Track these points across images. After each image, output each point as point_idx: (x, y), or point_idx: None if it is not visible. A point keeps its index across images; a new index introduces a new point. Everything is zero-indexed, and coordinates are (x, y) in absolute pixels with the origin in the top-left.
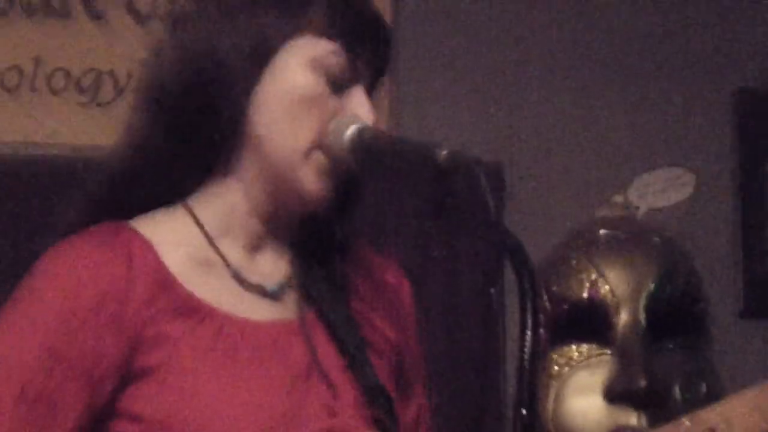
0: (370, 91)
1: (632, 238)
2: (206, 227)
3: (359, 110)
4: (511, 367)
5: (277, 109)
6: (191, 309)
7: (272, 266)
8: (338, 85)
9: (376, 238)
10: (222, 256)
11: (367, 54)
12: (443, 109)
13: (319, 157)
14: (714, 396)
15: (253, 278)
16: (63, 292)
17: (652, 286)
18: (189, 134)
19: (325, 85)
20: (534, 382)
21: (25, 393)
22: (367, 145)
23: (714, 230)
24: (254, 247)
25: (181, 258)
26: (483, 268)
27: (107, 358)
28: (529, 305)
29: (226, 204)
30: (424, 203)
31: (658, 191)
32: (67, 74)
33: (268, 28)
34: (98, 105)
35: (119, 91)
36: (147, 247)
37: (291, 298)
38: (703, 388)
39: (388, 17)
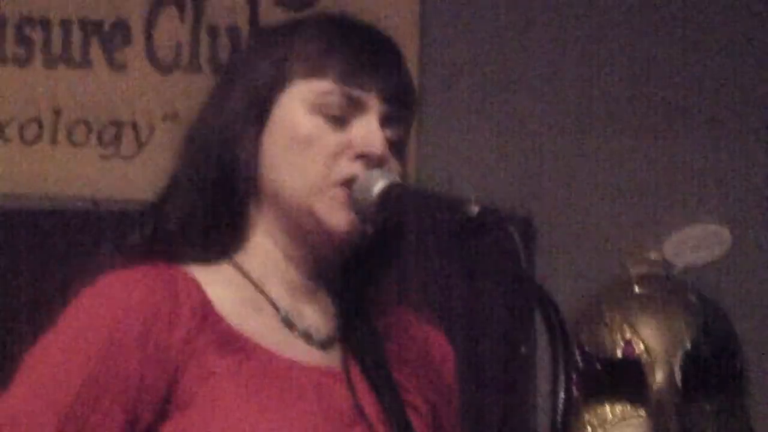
0: (391, 120)
1: (668, 296)
2: (253, 277)
3: (365, 143)
4: (542, 428)
5: (280, 154)
6: (237, 345)
7: (318, 319)
8: (342, 121)
9: (403, 295)
10: (271, 301)
11: (369, 82)
12: (469, 160)
13: (334, 192)
14: None
15: (301, 326)
16: (109, 320)
17: (688, 345)
18: (213, 195)
19: (324, 123)
20: None
21: (67, 420)
22: (395, 201)
23: (750, 287)
24: (300, 298)
25: (229, 298)
26: (513, 325)
27: (150, 389)
28: (562, 362)
29: (267, 256)
30: (453, 260)
31: (694, 248)
32: (88, 126)
33: (261, 83)
34: (120, 158)
35: (141, 144)
36: (194, 284)
37: (336, 351)
38: None
39: (414, 67)
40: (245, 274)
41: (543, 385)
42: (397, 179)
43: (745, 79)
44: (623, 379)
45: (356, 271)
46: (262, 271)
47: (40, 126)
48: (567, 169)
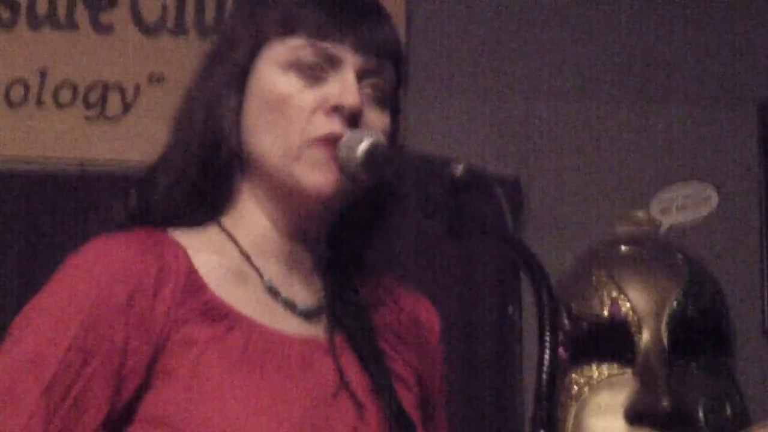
0: (370, 72)
1: (654, 255)
2: (240, 243)
3: (339, 95)
4: (529, 387)
5: (259, 117)
6: (221, 315)
7: (305, 289)
8: (318, 78)
9: (389, 255)
10: (256, 269)
11: (343, 36)
12: (457, 124)
13: (313, 152)
14: (739, 417)
15: (286, 294)
16: (94, 288)
17: (674, 304)
18: (198, 163)
19: (298, 81)
20: (553, 402)
21: (52, 388)
22: (380, 160)
23: (737, 246)
24: (286, 267)
25: (214, 266)
26: (500, 286)
27: (134, 357)
28: (548, 323)
29: (253, 223)
30: (438, 219)
31: (680, 207)
32: (74, 88)
33: (239, 50)
34: (106, 119)
35: (127, 105)
36: (180, 251)
37: (321, 321)
38: (728, 409)
39: (401, 30)
40: (232, 239)
41: (530, 346)
42: (382, 138)
43: (733, 42)
44: (610, 339)
45: (342, 239)
46: (250, 239)
47: (26, 88)
48: (554, 131)
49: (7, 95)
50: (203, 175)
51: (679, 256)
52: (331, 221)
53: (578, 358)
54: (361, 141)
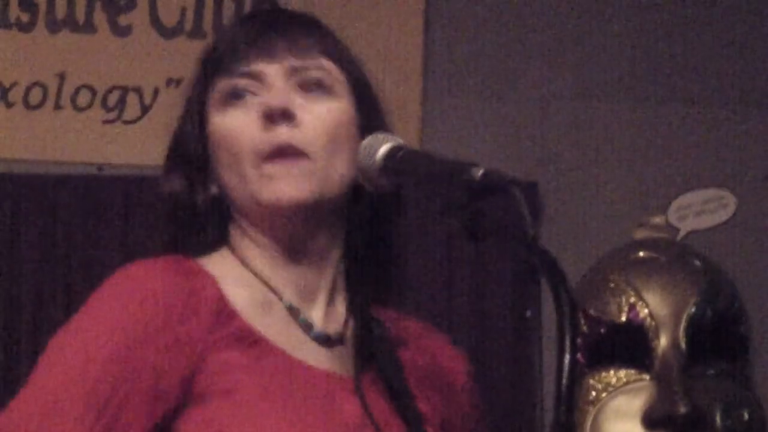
0: (297, 66)
1: (672, 260)
2: (255, 270)
3: (262, 104)
4: (548, 392)
5: (217, 162)
6: (252, 341)
7: (325, 316)
8: (249, 97)
9: (407, 259)
10: (278, 294)
11: (257, 54)
12: (474, 128)
13: (263, 170)
14: (756, 423)
15: (304, 316)
16: (130, 310)
17: (692, 309)
18: (192, 219)
19: (234, 111)
20: (572, 407)
21: (91, 400)
22: (399, 163)
23: (755, 251)
24: (303, 292)
25: (242, 295)
26: (518, 290)
27: (170, 377)
28: (567, 327)
29: (257, 252)
30: (458, 223)
31: (698, 213)
32: (92, 91)
33: (194, 110)
34: (124, 122)
35: (145, 108)
36: (211, 280)
37: (347, 352)
38: (746, 414)
39: (419, 33)
40: (252, 270)
41: (548, 350)
42: (401, 141)
43: (749, 45)
44: (627, 344)
45: (357, 270)
46: (268, 271)
47: (44, 91)
48: (572, 135)
49: (25, 98)
50: (195, 205)
51: (697, 261)
52: (334, 241)
53: (596, 364)
54: (381, 144)
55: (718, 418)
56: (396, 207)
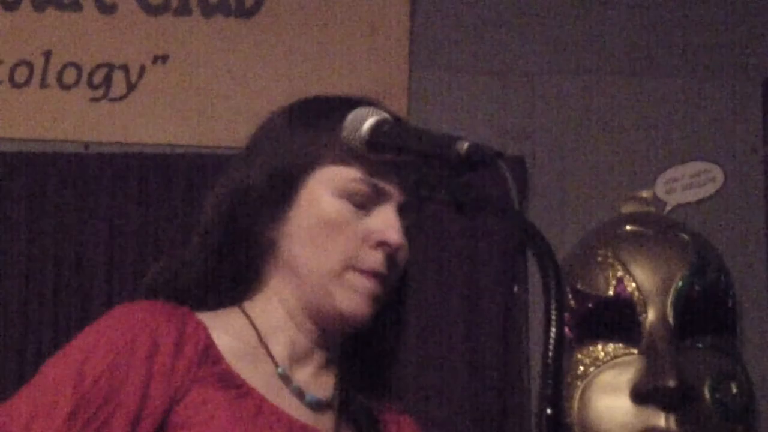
0: (407, 208)
1: (659, 234)
2: (258, 328)
3: (385, 231)
4: (535, 366)
5: (307, 234)
6: (235, 384)
7: (316, 382)
8: (366, 207)
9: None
10: (270, 355)
11: (391, 174)
12: (460, 103)
13: (356, 279)
14: (744, 395)
15: (296, 383)
16: (120, 337)
17: (680, 283)
18: (228, 254)
19: (350, 209)
20: (560, 380)
21: (77, 413)
22: (385, 136)
23: (742, 225)
24: (300, 359)
25: (231, 345)
26: (505, 265)
27: (153, 402)
28: (554, 300)
29: (277, 319)
30: (443, 197)
31: (685, 186)
32: (78, 69)
33: (289, 162)
34: (110, 100)
35: (131, 86)
36: (201, 327)
37: (328, 415)
38: (734, 387)
39: (405, 7)
40: (252, 323)
41: (536, 325)
42: (387, 115)
43: (739, 18)
44: (615, 318)
45: (358, 347)
46: (268, 326)
47: (30, 69)
48: (559, 109)
49: (11, 76)
50: (230, 265)
51: (685, 235)
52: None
53: (584, 338)
54: (366, 119)
55: (706, 391)
56: (406, 305)
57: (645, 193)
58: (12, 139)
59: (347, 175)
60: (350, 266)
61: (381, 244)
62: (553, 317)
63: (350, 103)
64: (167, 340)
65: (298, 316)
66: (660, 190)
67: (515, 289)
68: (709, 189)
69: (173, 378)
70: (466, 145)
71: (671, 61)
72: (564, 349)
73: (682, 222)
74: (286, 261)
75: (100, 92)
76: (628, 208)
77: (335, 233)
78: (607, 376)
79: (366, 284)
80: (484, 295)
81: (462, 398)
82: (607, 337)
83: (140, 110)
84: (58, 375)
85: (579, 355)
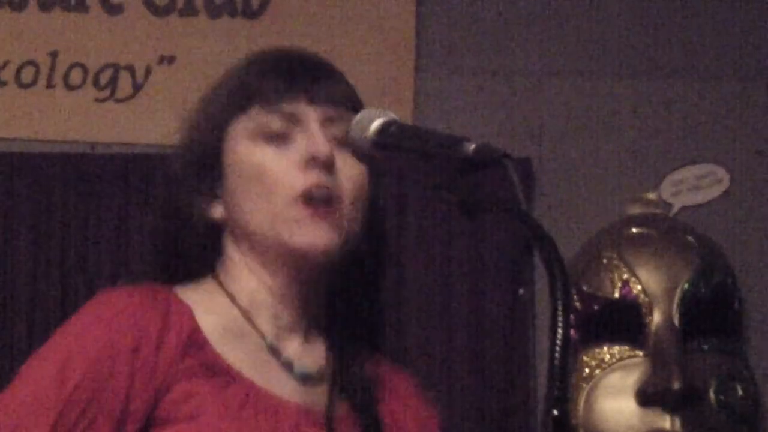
0: (334, 120)
1: (665, 236)
2: (239, 302)
3: (309, 149)
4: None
5: (242, 191)
6: (221, 371)
7: (305, 352)
8: (285, 139)
9: (401, 234)
10: (257, 329)
11: (297, 94)
12: (467, 104)
13: (296, 212)
14: (750, 397)
15: (285, 355)
16: (101, 334)
17: (686, 285)
18: (181, 242)
19: (268, 148)
20: (566, 381)
21: (60, 421)
22: (391, 137)
23: (748, 227)
24: (286, 330)
25: (216, 325)
26: (511, 267)
27: (135, 401)
28: (560, 301)
29: (253, 291)
30: (450, 198)
31: (691, 188)
32: (85, 69)
33: (206, 136)
34: (116, 100)
35: (137, 87)
36: (185, 308)
37: (321, 389)
38: (739, 389)
39: (411, 9)
40: (232, 299)
41: (541, 327)
42: (394, 116)
43: (743, 19)
44: (621, 321)
45: (342, 309)
46: (249, 303)
47: (37, 69)
48: (566, 110)
49: (17, 77)
50: (186, 239)
51: (690, 237)
52: (325, 286)
53: (589, 340)
54: (373, 119)
55: (712, 393)
56: (384, 253)
57: (651, 195)
58: (18, 140)
59: (253, 115)
60: (287, 200)
61: (309, 161)
62: (560, 319)
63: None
64: (151, 330)
65: (264, 277)
66: (666, 192)
67: (521, 290)
68: (715, 191)
69: (157, 372)
70: (473, 146)
71: (678, 63)
72: (570, 351)
73: (688, 224)
74: (237, 228)
75: (106, 93)
76: (634, 210)
77: (262, 177)
78: (613, 378)
79: (307, 212)
80: (490, 297)
81: (466, 400)
82: (613, 339)
83: (146, 111)
84: (40, 381)
85: (585, 357)
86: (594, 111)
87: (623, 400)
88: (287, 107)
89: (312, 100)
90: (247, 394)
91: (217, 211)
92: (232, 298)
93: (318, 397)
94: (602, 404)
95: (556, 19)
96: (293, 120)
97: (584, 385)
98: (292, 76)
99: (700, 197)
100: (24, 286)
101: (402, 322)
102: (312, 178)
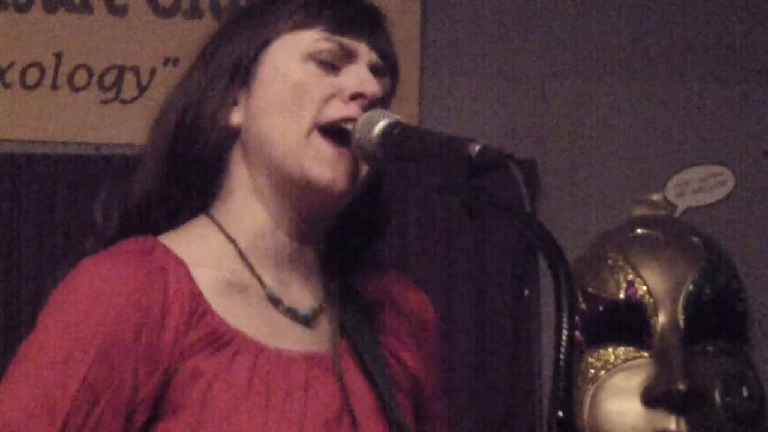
0: (378, 71)
1: (670, 237)
2: (239, 245)
3: (360, 83)
4: (546, 370)
5: (274, 102)
6: (226, 341)
7: (304, 290)
8: (336, 68)
9: (404, 235)
10: (258, 278)
11: (357, 32)
12: (472, 106)
13: (320, 145)
14: (755, 399)
15: (287, 302)
16: (102, 321)
17: (690, 286)
18: (188, 151)
19: (317, 70)
20: (571, 383)
21: (70, 420)
22: (396, 139)
23: (753, 227)
24: (287, 266)
25: (215, 281)
26: (516, 269)
27: (143, 389)
28: (565, 303)
29: (255, 222)
30: (454, 199)
31: (696, 189)
32: (89, 71)
33: (245, 43)
34: (121, 102)
35: (142, 88)
36: (181, 267)
37: (323, 325)
38: (744, 391)
39: (416, 12)
40: (230, 240)
41: (546, 328)
42: (399, 118)
43: (746, 22)
44: (626, 322)
45: (340, 239)
46: (248, 238)
47: (41, 71)
48: (570, 113)
49: (22, 78)
50: (187, 163)
51: (695, 238)
52: (332, 216)
53: (594, 342)
54: (378, 120)
55: (717, 395)
56: (385, 198)
57: (656, 197)
58: (23, 141)
59: (309, 36)
60: (318, 123)
61: (356, 96)
62: (564, 320)
63: None
64: (153, 310)
65: (277, 206)
66: (671, 193)
67: (526, 292)
68: (720, 192)
69: (162, 355)
70: (477, 147)
71: (682, 64)
72: (575, 352)
73: (693, 225)
74: (255, 141)
75: (110, 94)
76: (638, 211)
77: (301, 94)
78: (618, 380)
79: (332, 149)
80: (494, 299)
81: (471, 401)
82: (618, 340)
83: (151, 112)
84: (39, 387)
85: (590, 359)
86: (598, 113)
87: (628, 402)
88: (348, 41)
89: (370, 43)
90: (255, 361)
91: (236, 117)
92: (231, 240)
93: (319, 335)
94: (607, 405)
95: (559, 21)
96: (348, 55)
97: (589, 386)
98: (362, 14)
99: (705, 198)
100: (28, 287)
101: None
102: (351, 110)
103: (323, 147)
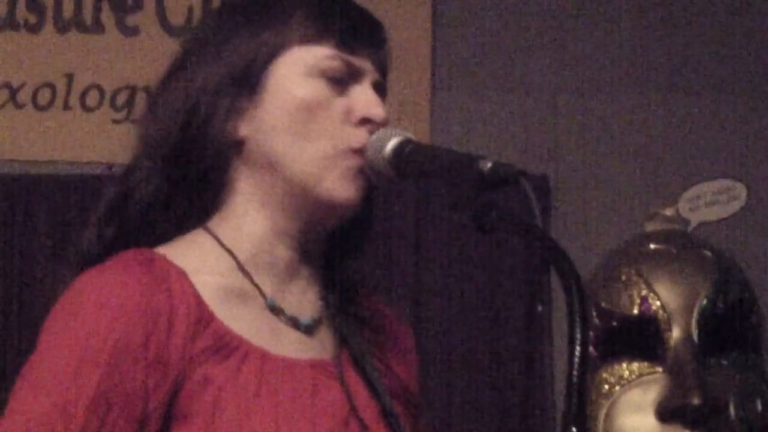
0: (378, 89)
1: (683, 252)
2: (237, 256)
3: (367, 107)
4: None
5: (284, 121)
6: (232, 347)
7: (303, 298)
8: (342, 87)
9: (418, 251)
10: (257, 286)
11: (364, 50)
12: (483, 121)
13: (348, 161)
14: None
15: (288, 310)
16: (111, 332)
17: (704, 300)
18: (192, 162)
19: (326, 88)
20: (584, 399)
21: None
22: (408, 157)
23: (766, 242)
24: (286, 278)
25: (215, 288)
26: (529, 284)
27: (154, 397)
28: (578, 319)
29: (255, 234)
30: (466, 216)
31: (709, 204)
32: (101, 91)
33: (253, 51)
34: (133, 122)
35: None
36: (183, 277)
37: (323, 335)
38: (759, 404)
39: (427, 27)
40: (227, 250)
41: (559, 344)
42: (410, 136)
43: (757, 35)
44: (640, 336)
45: (338, 246)
46: (247, 248)
47: (53, 91)
48: (582, 127)
49: (34, 99)
50: (186, 174)
51: (708, 253)
52: (330, 233)
53: (608, 357)
54: (389, 139)
55: (731, 409)
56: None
57: (668, 211)
58: (35, 162)
59: (319, 53)
60: (338, 149)
61: (364, 121)
62: (577, 336)
63: None
64: (160, 319)
65: (281, 221)
66: (683, 207)
67: (539, 308)
68: (733, 206)
69: (170, 363)
70: (489, 164)
71: (694, 78)
72: (588, 368)
73: (706, 240)
74: (261, 156)
75: (122, 114)
76: (651, 226)
77: (315, 115)
78: (633, 395)
79: (356, 163)
80: (507, 314)
81: (485, 417)
82: (632, 355)
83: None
84: (51, 399)
85: (604, 374)
86: (610, 127)
87: (643, 417)
88: (357, 60)
89: (375, 63)
90: (262, 367)
91: (244, 129)
92: (230, 251)
93: (324, 344)
94: (622, 421)
95: (571, 38)
96: (355, 73)
97: (604, 401)
98: (370, 30)
99: (718, 213)
100: (43, 307)
101: (419, 338)
102: (360, 137)
103: (348, 163)
